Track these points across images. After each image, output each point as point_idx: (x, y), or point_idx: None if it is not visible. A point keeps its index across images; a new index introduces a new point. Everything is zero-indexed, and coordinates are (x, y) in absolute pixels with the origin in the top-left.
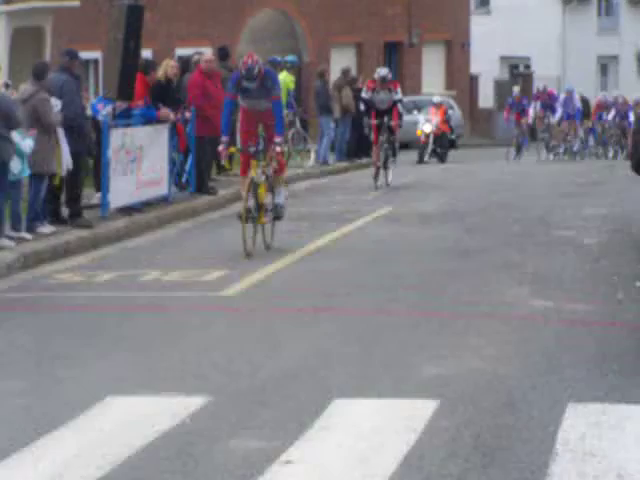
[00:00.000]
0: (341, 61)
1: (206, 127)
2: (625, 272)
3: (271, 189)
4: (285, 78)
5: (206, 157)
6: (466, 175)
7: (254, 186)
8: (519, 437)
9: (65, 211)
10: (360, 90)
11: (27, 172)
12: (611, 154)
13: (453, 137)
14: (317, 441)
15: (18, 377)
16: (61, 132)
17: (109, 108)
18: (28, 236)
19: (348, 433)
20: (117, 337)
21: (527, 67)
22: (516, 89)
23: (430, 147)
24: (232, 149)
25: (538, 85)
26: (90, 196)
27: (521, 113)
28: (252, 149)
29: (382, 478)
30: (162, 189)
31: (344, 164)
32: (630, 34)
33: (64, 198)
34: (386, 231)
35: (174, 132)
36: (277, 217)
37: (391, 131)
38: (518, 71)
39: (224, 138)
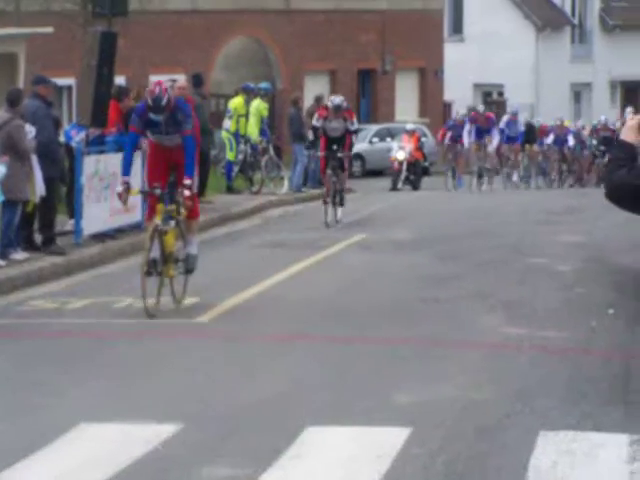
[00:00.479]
0: (315, 88)
1: None
2: (598, 300)
3: (182, 236)
4: (259, 105)
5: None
6: (439, 202)
7: (159, 234)
8: (491, 465)
9: (38, 238)
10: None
11: (0, 198)
12: (551, 181)
13: (426, 164)
14: (290, 469)
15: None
16: (34, 159)
17: (82, 135)
18: (1, 262)
19: (321, 461)
20: (91, 364)
21: (500, 94)
22: (461, 112)
23: (403, 174)
24: (133, 191)
25: (476, 105)
26: (63, 223)
27: (457, 138)
28: (158, 191)
29: None
30: (135, 216)
31: (317, 191)
32: (603, 62)
33: (37, 225)
34: (359, 258)
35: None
36: (189, 270)
37: (341, 164)
38: (492, 98)
39: (124, 179)
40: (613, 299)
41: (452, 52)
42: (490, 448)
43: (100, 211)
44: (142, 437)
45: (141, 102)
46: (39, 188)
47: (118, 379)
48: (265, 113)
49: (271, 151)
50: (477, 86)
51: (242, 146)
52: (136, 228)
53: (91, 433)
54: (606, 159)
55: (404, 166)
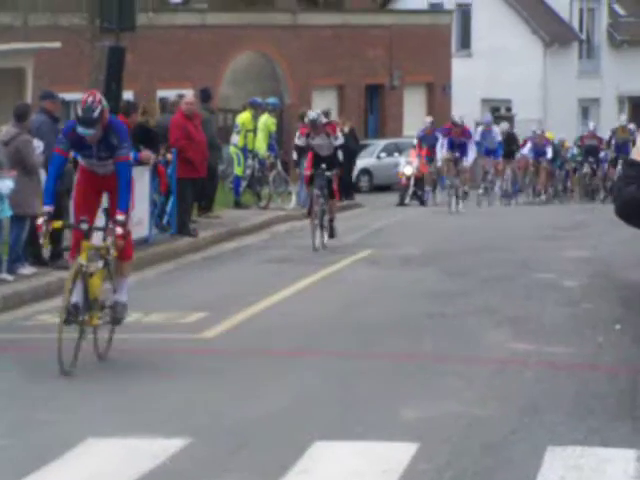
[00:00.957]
0: (322, 103)
1: (188, 169)
2: (605, 315)
3: (111, 280)
4: (266, 120)
5: (187, 199)
6: (447, 217)
7: (83, 276)
8: None
9: (46, 252)
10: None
11: (8, 213)
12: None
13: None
14: None
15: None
16: (43, 173)
17: None
18: (9, 277)
19: (328, 476)
20: (98, 378)
21: (508, 110)
22: (428, 119)
23: (411, 189)
24: (56, 224)
25: (454, 115)
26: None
27: (431, 149)
28: (85, 225)
29: None
30: (143, 230)
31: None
32: (611, 77)
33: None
34: (366, 274)
35: (155, 173)
36: (116, 320)
37: (329, 186)
38: (499, 114)
39: (46, 209)
40: (620, 315)
41: (460, 67)
42: (497, 464)
43: None
44: (150, 452)
45: (70, 120)
46: None
47: (125, 394)
48: (273, 128)
49: (279, 166)
50: (485, 101)
51: (250, 161)
52: (143, 243)
53: (99, 448)
54: (585, 169)
55: (412, 181)
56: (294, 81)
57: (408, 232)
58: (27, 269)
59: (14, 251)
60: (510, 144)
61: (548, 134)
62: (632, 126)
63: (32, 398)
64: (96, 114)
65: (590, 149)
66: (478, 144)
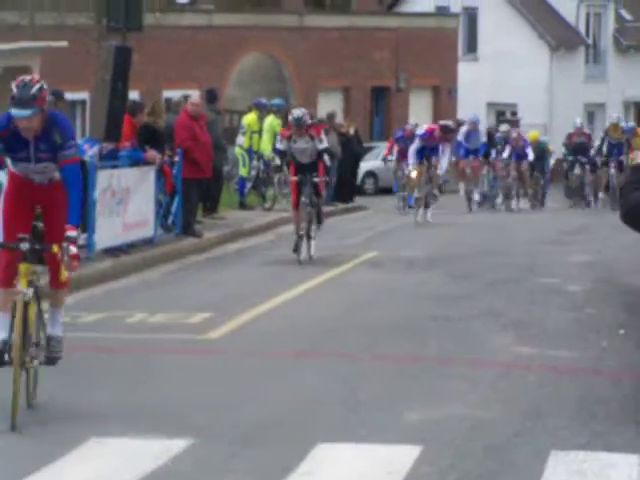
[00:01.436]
0: (328, 105)
1: (193, 169)
2: (609, 320)
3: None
4: (272, 121)
5: (192, 199)
6: (452, 221)
7: (24, 307)
8: None
9: None
10: (345, 135)
11: None
12: (499, 201)
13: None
14: None
15: (0, 418)
16: None
17: (96, 149)
18: None
19: (331, 478)
20: (101, 378)
21: (514, 114)
22: (412, 122)
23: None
24: None
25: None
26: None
27: (404, 151)
28: (26, 245)
29: None
30: (148, 231)
31: (330, 208)
32: (617, 82)
33: None
34: (370, 276)
35: (161, 174)
36: (51, 359)
37: (316, 190)
38: (505, 118)
39: None
40: (623, 319)
41: (466, 71)
42: (500, 467)
43: (113, 225)
44: (152, 452)
45: (2, 116)
46: None
47: (128, 394)
48: (278, 129)
49: (285, 168)
50: (490, 105)
51: (255, 162)
52: (148, 243)
53: (101, 448)
54: (577, 170)
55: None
56: (300, 82)
57: (413, 235)
58: None
59: None
60: (491, 144)
61: (532, 134)
62: (625, 125)
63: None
64: (34, 90)
65: (579, 147)
66: (458, 145)
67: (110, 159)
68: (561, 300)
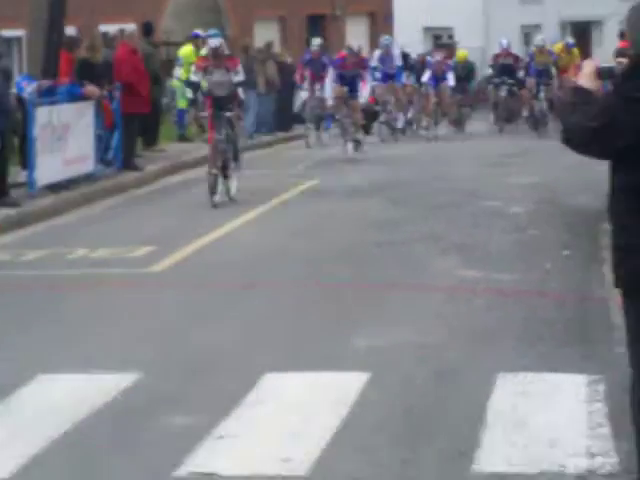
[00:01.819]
0: (265, 35)
1: (135, 104)
2: (552, 241)
3: None
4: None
5: (133, 134)
6: (392, 148)
7: None
8: (450, 408)
9: None
10: (283, 63)
11: None
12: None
13: (377, 109)
14: (249, 416)
15: None
16: None
17: (34, 85)
18: None
19: (280, 407)
20: (46, 315)
21: (450, 37)
22: (316, 42)
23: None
24: None
25: (350, 43)
26: (16, 174)
27: (316, 76)
28: None
29: (314, 450)
30: (88, 166)
31: (268, 138)
32: (553, 2)
33: None
34: (313, 204)
35: (100, 109)
36: None
37: (231, 126)
38: (441, 42)
39: None
40: (567, 240)
41: None
42: (448, 392)
43: (53, 162)
44: (102, 387)
45: None
46: None
47: (74, 330)
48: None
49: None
50: (427, 30)
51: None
52: (89, 178)
53: (49, 384)
54: (503, 92)
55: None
56: (235, 13)
57: (351, 163)
58: None
59: None
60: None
61: (461, 53)
62: (550, 47)
63: None
64: None
65: (505, 68)
66: (373, 69)
67: (49, 95)
68: (504, 223)
